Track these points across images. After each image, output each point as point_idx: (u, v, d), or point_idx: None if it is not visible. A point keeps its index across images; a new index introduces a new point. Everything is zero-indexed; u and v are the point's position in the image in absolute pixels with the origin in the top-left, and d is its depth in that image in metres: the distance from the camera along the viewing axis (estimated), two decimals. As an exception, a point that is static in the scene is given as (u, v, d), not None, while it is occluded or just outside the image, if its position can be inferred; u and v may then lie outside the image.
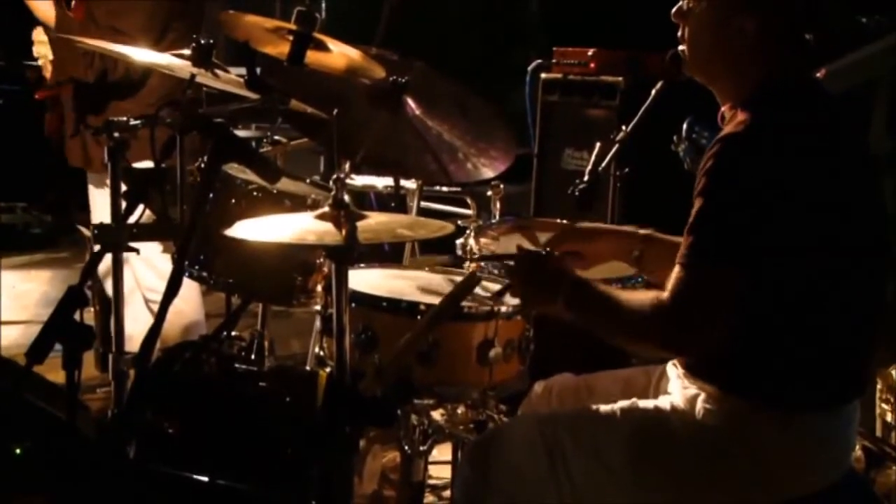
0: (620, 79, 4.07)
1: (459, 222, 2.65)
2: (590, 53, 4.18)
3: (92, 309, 3.67)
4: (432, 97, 2.97)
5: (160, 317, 1.78)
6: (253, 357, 2.72)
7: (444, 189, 4.44)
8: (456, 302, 2.19)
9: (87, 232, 3.16)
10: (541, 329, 2.52)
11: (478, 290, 2.38)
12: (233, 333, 2.46)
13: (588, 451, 1.98)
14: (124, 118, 2.57)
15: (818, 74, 2.77)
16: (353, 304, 2.24)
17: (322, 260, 2.55)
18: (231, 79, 2.41)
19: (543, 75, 4.38)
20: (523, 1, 6.40)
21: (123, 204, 2.48)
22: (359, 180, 4.15)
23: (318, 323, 2.80)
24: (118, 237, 2.52)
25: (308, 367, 3.19)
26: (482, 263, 2.50)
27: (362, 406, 1.99)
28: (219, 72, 2.41)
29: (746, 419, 1.89)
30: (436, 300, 2.33)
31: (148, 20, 3.22)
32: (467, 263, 2.54)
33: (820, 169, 1.87)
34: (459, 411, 2.56)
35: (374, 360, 2.30)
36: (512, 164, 3.00)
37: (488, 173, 2.98)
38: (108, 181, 2.66)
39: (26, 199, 6.68)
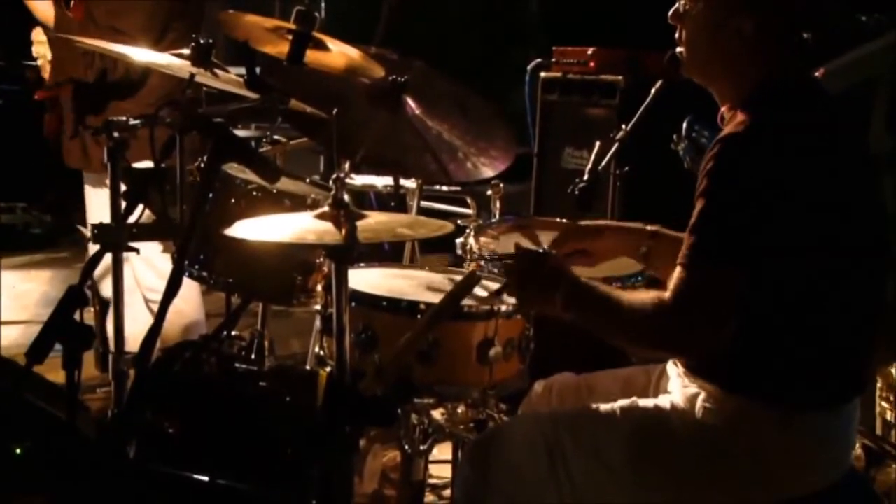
0: (620, 78, 4.07)
1: (459, 221, 2.65)
2: (589, 52, 4.18)
3: (92, 309, 3.67)
4: (432, 97, 2.97)
5: (160, 316, 1.78)
6: (253, 357, 2.72)
7: (444, 188, 4.44)
8: (456, 301, 2.19)
9: (86, 232, 3.16)
10: (541, 328, 2.51)
11: (477, 289, 2.38)
12: (233, 333, 2.47)
13: (588, 450, 1.98)
14: (124, 118, 2.57)
15: (817, 73, 2.77)
16: (353, 304, 2.24)
17: (322, 259, 2.55)
18: (231, 78, 2.41)
19: (543, 74, 4.38)
20: (523, 0, 6.40)
21: (123, 204, 2.48)
22: (358, 180, 4.15)
23: (318, 322, 2.80)
24: (118, 237, 2.52)
25: (308, 367, 3.19)
26: (482, 263, 2.50)
27: (362, 405, 1.99)
28: (218, 71, 2.41)
29: (747, 418, 1.89)
30: (436, 299, 2.34)
31: (148, 20, 3.22)
32: (467, 262, 2.54)
33: (820, 169, 1.87)
34: (460, 410, 2.57)
35: (374, 359, 2.30)
36: (512, 163, 3.00)
37: (488, 172, 2.98)
38: (106, 181, 2.66)
39: (26, 199, 6.68)
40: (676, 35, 2.04)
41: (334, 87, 2.83)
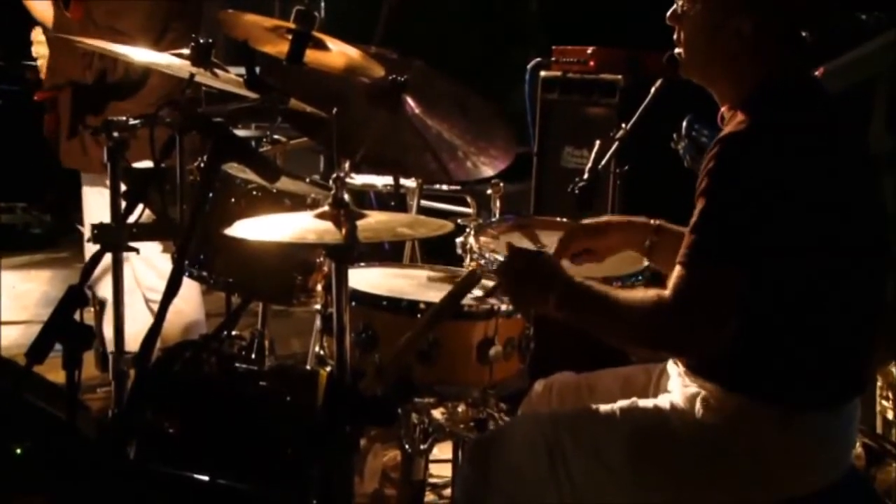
0: (620, 77, 4.07)
1: (459, 221, 2.65)
2: (589, 52, 4.18)
3: (91, 309, 3.67)
4: (432, 96, 2.97)
5: (160, 316, 1.78)
6: (253, 356, 2.72)
7: (444, 188, 4.44)
8: (456, 300, 2.19)
9: (85, 232, 3.16)
10: (541, 328, 2.51)
11: (477, 289, 2.38)
12: (233, 333, 2.46)
13: (588, 450, 1.98)
14: (123, 118, 2.57)
15: (817, 73, 2.76)
16: (354, 303, 2.24)
17: (322, 259, 2.55)
18: (230, 78, 2.41)
19: (543, 73, 4.38)
20: (523, 0, 6.40)
21: (123, 204, 2.48)
22: (358, 179, 4.15)
23: (318, 322, 2.80)
24: (118, 237, 2.52)
25: (308, 367, 3.19)
26: (482, 262, 2.50)
27: (363, 405, 1.99)
28: (218, 71, 2.41)
29: (747, 418, 1.89)
30: (436, 299, 2.34)
31: (147, 20, 3.22)
32: (467, 262, 2.54)
33: (820, 169, 1.87)
34: (460, 410, 2.57)
35: (374, 359, 2.31)
36: (512, 162, 3.00)
37: (488, 172, 2.98)
38: (105, 181, 2.66)
39: (26, 199, 6.69)
40: (675, 36, 2.04)
41: (334, 87, 2.83)
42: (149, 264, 3.32)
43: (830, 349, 1.91)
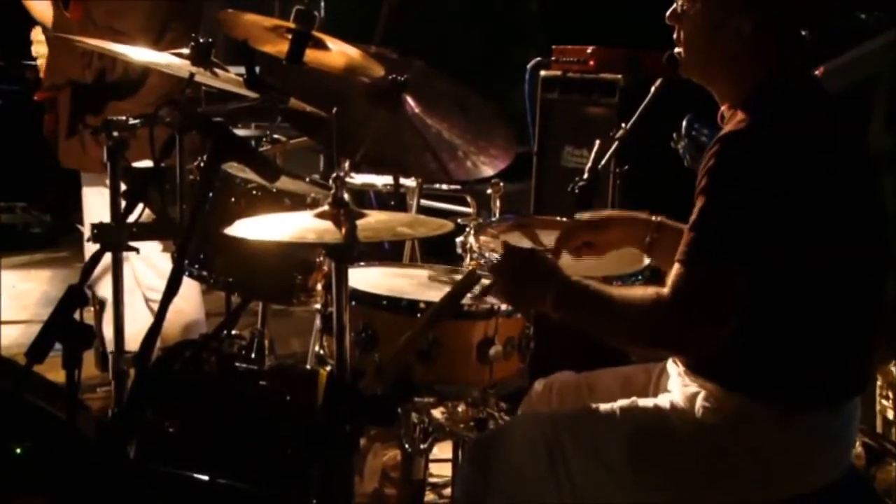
0: (620, 76, 4.07)
1: (459, 220, 2.64)
2: (589, 51, 4.18)
3: (91, 308, 3.67)
4: (432, 96, 2.97)
5: (160, 316, 1.78)
6: (253, 356, 2.72)
7: (444, 187, 4.44)
8: (456, 300, 2.18)
9: (85, 231, 3.16)
10: (541, 327, 2.51)
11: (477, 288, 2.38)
12: (233, 332, 2.46)
13: (588, 450, 1.98)
14: (123, 118, 2.57)
15: (817, 72, 2.76)
16: (354, 303, 2.24)
17: (322, 258, 2.55)
18: (230, 78, 2.41)
19: (543, 73, 4.38)
20: (523, 0, 6.40)
21: (123, 203, 2.48)
22: (358, 179, 4.15)
23: (318, 321, 2.80)
24: (118, 236, 2.52)
25: (308, 366, 3.19)
26: (482, 261, 2.50)
27: (363, 404, 1.99)
28: (218, 71, 2.41)
29: (747, 417, 1.89)
30: (436, 298, 2.34)
31: (146, 20, 3.22)
32: (467, 261, 2.54)
33: (820, 169, 1.87)
34: (460, 409, 2.57)
35: (374, 358, 2.31)
36: (512, 161, 3.00)
37: (488, 171, 2.98)
38: (105, 181, 2.66)
39: (26, 198, 6.69)
40: (675, 35, 2.04)
41: (334, 87, 2.83)
42: (149, 264, 3.32)
43: (830, 349, 1.90)
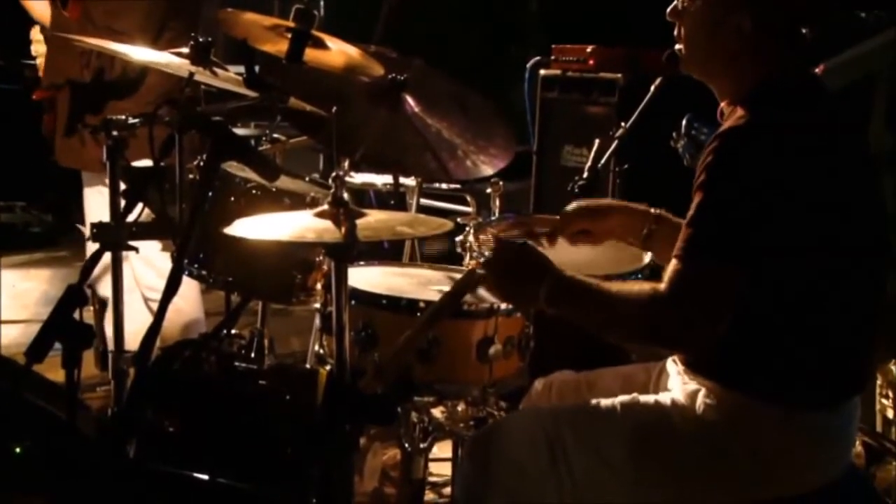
0: (619, 75, 4.07)
1: (459, 220, 2.64)
2: (588, 50, 4.18)
3: (91, 308, 3.67)
4: (431, 95, 2.97)
5: (160, 315, 1.77)
6: (253, 355, 2.72)
7: (444, 186, 4.44)
8: (456, 299, 2.18)
9: (85, 231, 3.16)
10: (541, 326, 2.51)
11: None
12: (232, 331, 2.46)
13: (589, 447, 1.98)
14: (122, 117, 2.57)
15: (817, 70, 2.76)
16: (353, 302, 2.24)
17: (321, 258, 2.55)
18: (230, 77, 2.40)
19: (542, 72, 4.38)
20: (522, -1, 6.40)
21: (122, 203, 2.48)
22: (358, 178, 4.16)
23: (317, 321, 2.80)
24: (117, 236, 2.52)
25: (308, 365, 3.19)
26: (481, 260, 2.50)
27: (362, 404, 1.99)
28: (217, 70, 2.40)
29: (747, 416, 1.89)
30: (435, 297, 2.33)
31: (144, 19, 3.22)
32: (467, 260, 2.54)
33: (820, 169, 1.87)
34: (459, 408, 2.57)
35: (373, 357, 2.30)
36: (511, 161, 3.00)
37: (488, 170, 2.98)
38: (104, 180, 2.66)
39: (26, 198, 6.69)
40: (675, 32, 2.04)
41: (333, 86, 2.83)
42: (148, 263, 3.31)
43: (830, 349, 1.90)
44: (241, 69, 2.29)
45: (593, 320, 1.94)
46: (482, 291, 2.28)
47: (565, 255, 2.28)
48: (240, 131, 4.66)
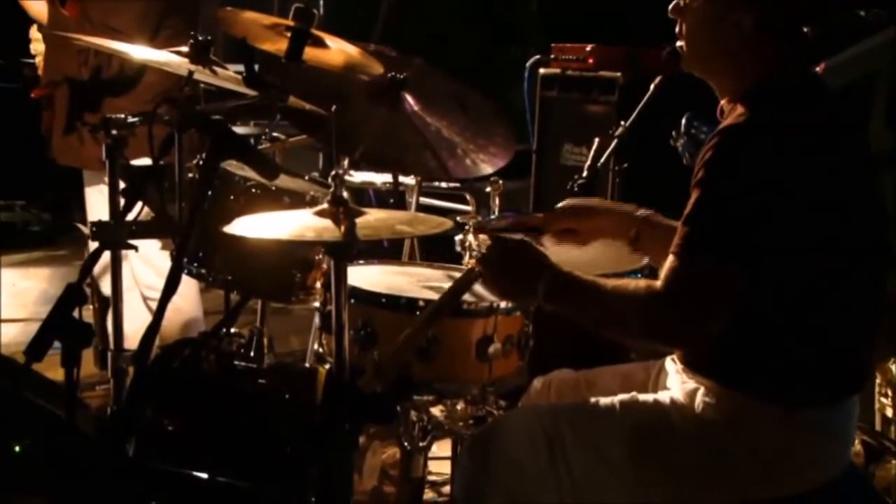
0: (619, 74, 4.06)
1: (458, 218, 2.64)
2: (588, 49, 4.17)
3: (91, 307, 3.67)
4: (431, 94, 2.97)
5: (159, 314, 1.77)
6: (252, 354, 2.72)
7: (443, 185, 4.44)
8: (455, 298, 2.18)
9: (85, 230, 3.16)
10: (540, 325, 2.51)
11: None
12: (232, 330, 2.46)
13: (588, 445, 1.98)
14: (122, 115, 2.57)
15: (818, 69, 2.76)
16: (353, 301, 2.24)
17: (321, 256, 2.55)
18: (229, 75, 2.40)
19: (542, 71, 4.37)
20: (522, -2, 6.40)
21: (122, 201, 2.48)
22: (357, 177, 4.15)
23: (317, 320, 2.80)
24: (117, 235, 2.52)
25: (307, 364, 3.19)
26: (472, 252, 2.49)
27: (362, 402, 1.99)
28: (217, 69, 2.40)
29: (746, 415, 1.89)
30: (435, 296, 2.33)
31: (142, 18, 3.22)
32: (466, 259, 2.54)
33: (820, 168, 1.87)
34: (459, 407, 2.57)
35: (373, 356, 2.30)
36: (511, 159, 3.00)
37: (487, 169, 2.98)
38: (104, 178, 2.66)
39: (25, 196, 6.68)
40: (677, 29, 2.04)
41: (333, 85, 2.83)
42: (147, 262, 3.31)
43: (830, 349, 1.90)
44: (241, 68, 2.29)
45: (591, 317, 1.94)
46: (481, 290, 2.28)
47: (564, 253, 2.28)
48: (239, 130, 4.66)
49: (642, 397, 2.03)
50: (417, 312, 2.33)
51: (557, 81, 4.32)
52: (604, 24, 4.79)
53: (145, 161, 2.79)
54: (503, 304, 2.37)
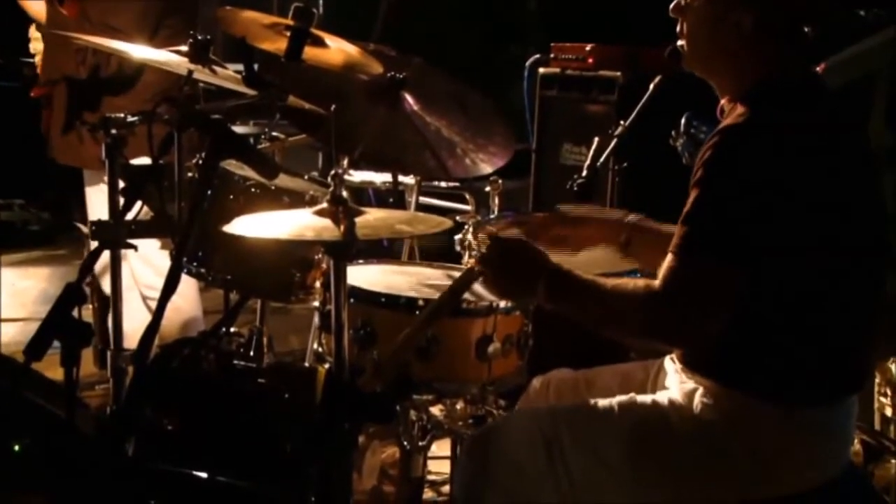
0: (619, 74, 4.06)
1: (458, 218, 2.64)
2: (588, 48, 4.17)
3: (90, 306, 3.67)
4: (430, 93, 2.97)
5: (158, 313, 1.77)
6: (251, 353, 2.72)
7: (443, 185, 4.44)
8: (455, 297, 2.18)
9: (85, 229, 3.16)
10: (539, 324, 2.51)
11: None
12: (231, 330, 2.46)
13: (586, 447, 1.98)
14: (121, 115, 2.57)
15: (818, 68, 2.76)
16: (352, 300, 2.24)
17: (320, 256, 2.55)
18: (229, 75, 2.40)
19: (541, 70, 4.37)
20: (522, -2, 6.40)
21: (121, 201, 2.48)
22: (357, 176, 4.16)
23: (316, 319, 2.80)
24: (116, 234, 2.52)
25: (307, 364, 3.19)
26: (472, 253, 2.49)
27: (361, 402, 1.99)
28: (216, 68, 2.40)
29: (745, 414, 1.89)
30: (434, 296, 2.33)
31: (141, 17, 3.22)
32: (466, 258, 2.54)
33: (820, 168, 1.87)
34: (458, 407, 2.57)
35: (372, 355, 2.30)
36: (510, 159, 3.00)
37: (487, 169, 2.98)
38: (103, 177, 2.65)
39: (24, 196, 6.68)
40: (678, 28, 2.04)
41: (333, 84, 2.83)
42: (146, 261, 3.31)
43: (830, 348, 1.90)
44: (240, 67, 2.29)
45: (590, 316, 1.94)
46: (481, 289, 2.28)
47: (556, 259, 2.28)
48: (239, 129, 4.66)
49: (640, 398, 2.03)
50: (417, 312, 2.33)
51: (557, 81, 4.32)
52: (603, 24, 4.79)
53: (145, 160, 2.79)
54: (503, 304, 2.37)
